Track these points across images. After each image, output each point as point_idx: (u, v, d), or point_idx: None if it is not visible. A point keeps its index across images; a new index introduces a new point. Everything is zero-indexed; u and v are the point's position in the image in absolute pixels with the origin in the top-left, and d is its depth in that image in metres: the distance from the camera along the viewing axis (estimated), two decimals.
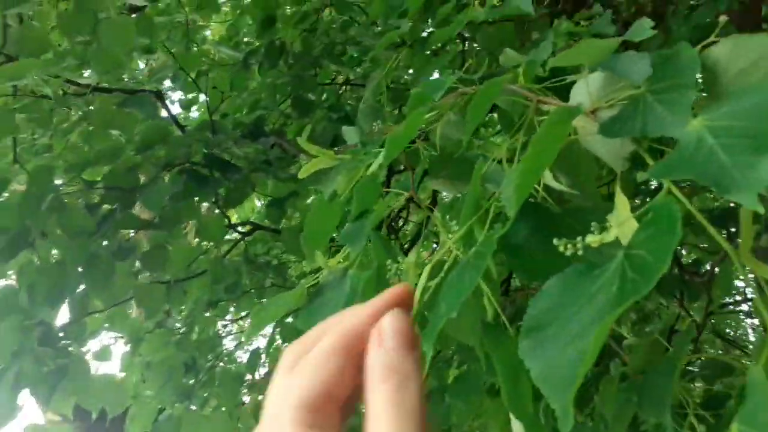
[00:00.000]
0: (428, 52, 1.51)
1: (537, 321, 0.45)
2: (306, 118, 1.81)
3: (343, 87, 2.24)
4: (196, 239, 1.81)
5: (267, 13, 2.05)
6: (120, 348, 2.48)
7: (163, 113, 2.09)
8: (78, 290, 1.35)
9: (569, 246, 0.43)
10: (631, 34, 0.61)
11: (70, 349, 1.42)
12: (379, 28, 1.75)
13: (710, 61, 0.53)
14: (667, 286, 1.82)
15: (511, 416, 0.63)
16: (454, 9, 1.40)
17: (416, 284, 0.67)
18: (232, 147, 1.51)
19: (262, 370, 2.21)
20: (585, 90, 0.66)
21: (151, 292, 1.56)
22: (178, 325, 1.99)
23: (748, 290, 3.11)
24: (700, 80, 0.53)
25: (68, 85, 1.74)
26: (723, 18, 0.56)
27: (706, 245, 2.31)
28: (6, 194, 1.36)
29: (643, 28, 0.61)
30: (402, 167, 1.53)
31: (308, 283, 0.72)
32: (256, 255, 2.23)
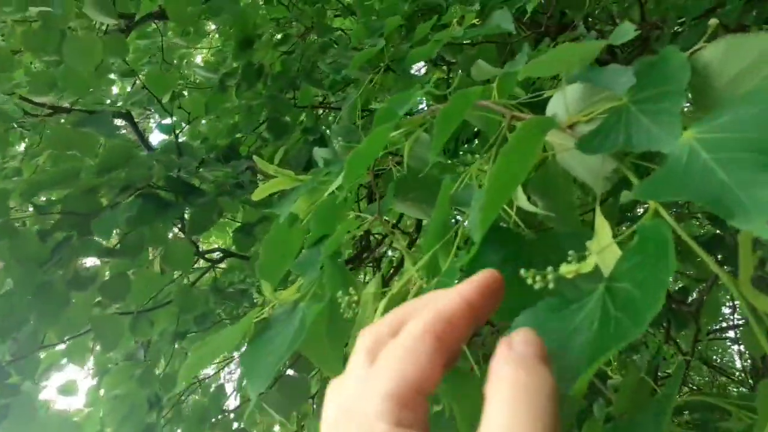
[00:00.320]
0: (408, 75, 1.46)
1: None
2: (280, 140, 1.74)
3: (322, 110, 2.19)
4: (165, 267, 1.72)
5: (245, 35, 2.00)
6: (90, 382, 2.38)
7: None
8: (30, 322, 1.26)
9: (538, 278, 0.36)
10: (613, 37, 0.55)
11: (21, 386, 1.33)
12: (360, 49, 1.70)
13: (701, 64, 0.47)
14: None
15: None
16: (433, 29, 1.36)
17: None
18: (201, 170, 1.44)
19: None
20: (562, 103, 0.59)
21: (109, 324, 1.47)
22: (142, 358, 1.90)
23: (736, 316, 3.06)
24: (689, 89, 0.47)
25: (26, 104, 1.67)
26: (713, 21, 0.50)
27: (691, 272, 2.26)
28: None
29: (626, 31, 0.55)
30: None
31: (255, 317, 0.64)
32: (231, 283, 2.14)
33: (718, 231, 1.98)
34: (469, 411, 0.51)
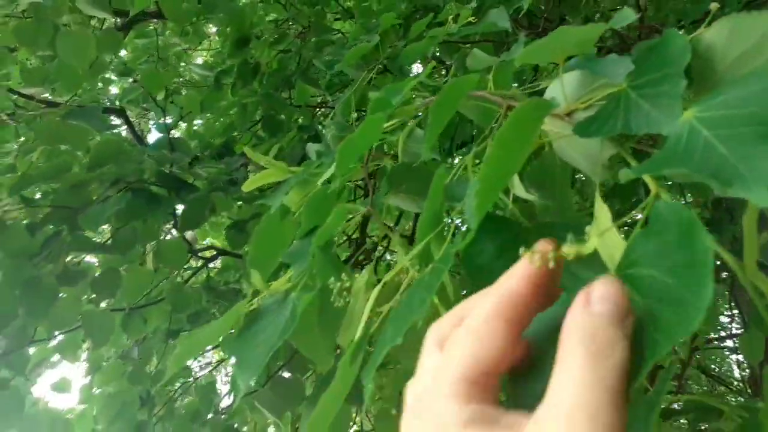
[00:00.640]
0: (405, 74, 1.45)
1: None
2: (275, 138, 1.73)
3: (318, 110, 2.18)
4: (158, 264, 1.70)
5: (241, 33, 1.99)
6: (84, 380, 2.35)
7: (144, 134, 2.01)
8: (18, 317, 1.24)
9: (537, 258, 0.34)
10: (614, 22, 0.54)
11: (11, 381, 1.31)
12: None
13: (703, 46, 0.45)
14: None
15: None
16: (429, 27, 1.34)
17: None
18: (194, 167, 1.42)
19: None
20: (560, 91, 0.58)
21: (99, 320, 1.45)
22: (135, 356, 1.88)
23: (734, 325, 3.05)
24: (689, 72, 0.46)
25: (19, 98, 1.65)
26: (714, 5, 0.49)
27: None
28: None
29: (626, 15, 0.54)
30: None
31: (244, 308, 0.63)
32: (227, 283, 2.12)
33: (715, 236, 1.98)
34: None
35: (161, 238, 1.56)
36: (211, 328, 0.63)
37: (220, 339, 0.64)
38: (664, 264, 0.31)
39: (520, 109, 0.45)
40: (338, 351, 0.65)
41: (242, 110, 1.84)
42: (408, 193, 0.73)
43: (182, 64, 2.53)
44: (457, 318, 0.34)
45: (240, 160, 1.55)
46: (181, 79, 2.55)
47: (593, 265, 0.40)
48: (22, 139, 2.45)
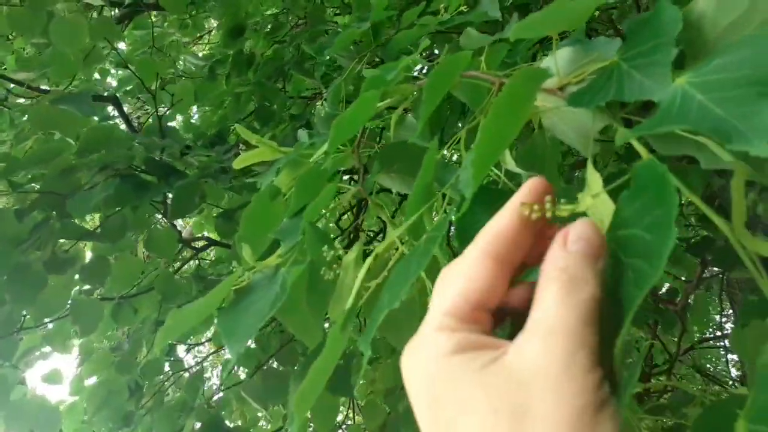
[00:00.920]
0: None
1: None
2: (267, 127, 1.72)
3: (311, 100, 2.17)
4: (148, 253, 1.69)
5: (236, 23, 1.98)
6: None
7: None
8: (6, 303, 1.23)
9: (535, 209, 0.34)
10: None
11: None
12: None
13: (694, 16, 0.46)
14: (640, 312, 1.75)
15: None
16: (422, 16, 1.34)
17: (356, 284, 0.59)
18: (186, 155, 1.41)
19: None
20: (553, 66, 0.58)
21: (87, 308, 1.44)
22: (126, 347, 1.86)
23: (729, 325, 3.06)
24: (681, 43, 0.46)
25: (12, 85, 1.64)
26: None
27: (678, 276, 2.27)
28: None
29: None
30: None
31: (234, 283, 0.62)
32: (219, 274, 2.11)
33: (708, 234, 1.99)
34: None
35: (153, 226, 1.55)
36: (201, 303, 0.63)
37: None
38: (644, 221, 0.32)
39: (517, 77, 0.45)
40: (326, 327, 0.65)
41: (236, 100, 1.84)
42: (399, 173, 0.72)
43: (179, 55, 2.52)
44: (457, 261, 0.36)
45: (232, 149, 1.54)
46: (179, 69, 2.54)
47: None
48: (15, 128, 2.44)
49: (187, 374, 2.29)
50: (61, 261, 1.33)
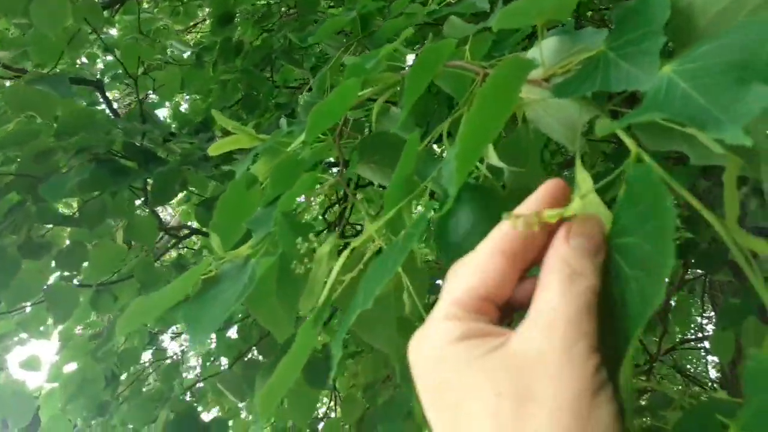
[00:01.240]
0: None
1: None
2: (252, 116, 1.69)
3: (298, 90, 2.15)
4: (130, 240, 1.66)
5: (224, 10, 1.94)
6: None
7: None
8: None
9: (520, 222, 0.33)
10: None
11: None
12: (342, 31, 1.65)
13: (683, 3, 0.44)
14: None
15: None
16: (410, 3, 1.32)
17: (328, 279, 0.56)
18: (169, 142, 1.38)
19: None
20: (538, 56, 0.56)
21: (62, 294, 1.41)
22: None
23: (710, 327, 3.06)
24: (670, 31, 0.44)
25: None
26: None
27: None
28: None
29: None
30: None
31: (202, 271, 0.60)
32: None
33: (692, 236, 1.99)
34: None
35: (134, 213, 1.52)
36: (166, 291, 0.60)
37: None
38: (643, 230, 0.31)
39: (502, 66, 0.43)
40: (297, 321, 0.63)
41: (222, 88, 1.80)
42: (379, 164, 0.70)
43: (167, 42, 2.48)
44: (471, 256, 0.37)
45: (209, 135, 1.51)
46: (168, 56, 2.50)
47: None
48: None
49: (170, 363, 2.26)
50: (36, 246, 1.29)
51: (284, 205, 0.60)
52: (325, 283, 0.53)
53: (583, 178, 0.42)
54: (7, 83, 2.03)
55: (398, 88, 0.82)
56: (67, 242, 1.47)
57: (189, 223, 2.68)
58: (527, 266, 0.35)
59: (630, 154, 0.38)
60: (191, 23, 3.41)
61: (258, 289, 0.56)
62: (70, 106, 1.36)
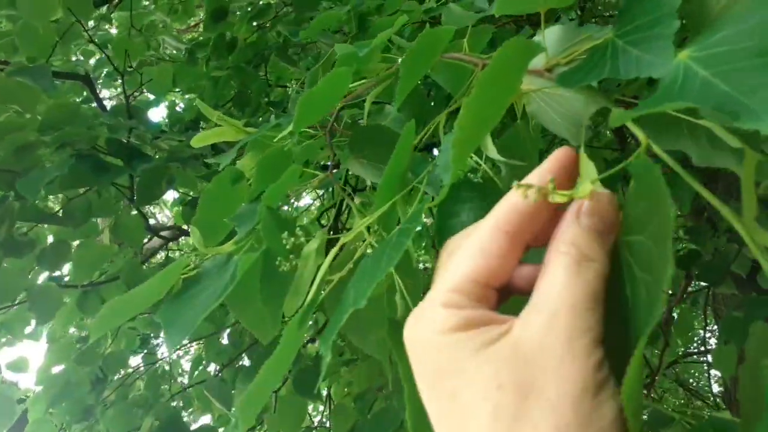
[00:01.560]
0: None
1: None
2: (243, 113, 1.66)
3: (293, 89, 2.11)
4: (116, 240, 1.62)
5: (218, 5, 1.91)
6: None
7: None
8: None
9: (531, 192, 0.30)
10: None
11: None
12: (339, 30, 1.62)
13: None
14: None
15: None
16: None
17: (317, 276, 0.53)
18: (157, 139, 1.35)
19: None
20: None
21: (45, 295, 1.37)
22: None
23: (713, 341, 3.04)
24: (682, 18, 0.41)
25: None
26: None
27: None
28: None
29: None
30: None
31: (181, 269, 0.56)
32: None
33: (695, 247, 1.96)
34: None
35: (121, 212, 1.48)
36: (143, 290, 0.56)
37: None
38: (648, 228, 0.29)
39: (505, 48, 0.39)
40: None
41: (213, 85, 1.77)
42: (371, 159, 0.67)
43: (159, 37, 2.44)
44: (468, 233, 0.35)
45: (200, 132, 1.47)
46: (164, 53, 2.46)
47: None
48: None
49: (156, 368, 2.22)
50: (18, 243, 1.26)
51: (269, 198, 0.56)
52: (313, 282, 0.49)
53: (587, 164, 0.39)
54: None
55: (392, 84, 0.79)
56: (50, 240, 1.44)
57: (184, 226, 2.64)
58: (528, 246, 0.33)
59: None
60: (192, 23, 3.38)
61: (240, 288, 0.52)
62: (56, 100, 1.32)
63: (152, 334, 2.25)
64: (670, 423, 1.20)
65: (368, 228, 0.52)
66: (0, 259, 1.21)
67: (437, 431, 0.30)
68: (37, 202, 1.26)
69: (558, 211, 0.33)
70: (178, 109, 2.74)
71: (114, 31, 2.81)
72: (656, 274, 0.28)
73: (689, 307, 2.75)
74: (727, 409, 2.66)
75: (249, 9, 2.00)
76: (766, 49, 0.30)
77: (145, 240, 2.08)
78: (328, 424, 2.35)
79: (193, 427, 1.65)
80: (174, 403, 1.93)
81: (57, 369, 1.93)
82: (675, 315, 2.44)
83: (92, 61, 2.85)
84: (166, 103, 3.01)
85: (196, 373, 2.04)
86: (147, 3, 2.85)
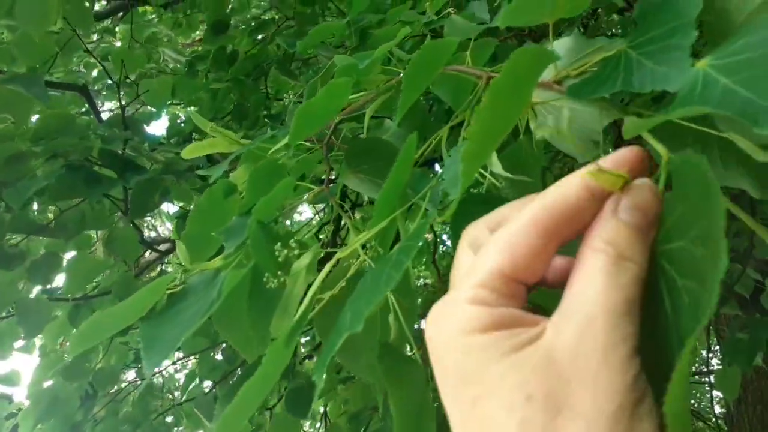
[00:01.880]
0: None
1: None
2: (241, 126, 1.64)
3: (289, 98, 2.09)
4: (110, 253, 1.59)
5: (218, 18, 1.90)
6: None
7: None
8: None
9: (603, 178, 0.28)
10: None
11: None
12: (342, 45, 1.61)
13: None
14: None
15: None
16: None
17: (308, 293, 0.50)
18: (154, 151, 1.32)
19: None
20: None
21: (34, 308, 1.33)
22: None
23: (715, 361, 2.99)
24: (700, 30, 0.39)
25: None
26: None
27: None
28: None
29: None
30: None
31: (167, 284, 0.53)
32: None
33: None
34: (407, 400, 0.40)
35: (114, 225, 1.45)
36: (126, 305, 0.54)
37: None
38: (690, 233, 0.27)
39: (518, 55, 0.37)
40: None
41: (212, 97, 1.75)
42: (369, 174, 0.64)
43: (159, 49, 2.44)
44: (496, 221, 0.33)
45: None
46: (161, 64, 2.45)
47: None
48: None
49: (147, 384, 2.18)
50: (8, 255, 1.23)
51: (260, 212, 0.53)
52: (303, 299, 0.46)
53: None
54: None
55: (392, 97, 0.77)
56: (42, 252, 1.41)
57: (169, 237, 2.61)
58: (566, 243, 0.30)
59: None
60: (197, 38, 3.38)
61: (227, 306, 0.49)
62: (51, 109, 1.30)
63: None
64: None
65: (363, 245, 0.50)
66: None
67: None
68: (32, 213, 1.23)
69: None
70: (179, 121, 2.74)
71: (119, 43, 2.81)
72: (702, 279, 0.25)
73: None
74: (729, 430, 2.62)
75: (253, 23, 1.99)
76: None
77: (147, 254, 2.06)
78: None
79: None
80: (169, 419, 1.89)
81: (48, 383, 1.90)
82: None
83: (95, 73, 2.85)
84: (169, 116, 3.00)
85: (190, 387, 2.01)
86: (152, 17, 2.86)
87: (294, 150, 0.73)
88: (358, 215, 2.15)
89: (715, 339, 2.72)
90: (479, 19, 1.07)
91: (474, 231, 0.34)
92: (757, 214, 1.43)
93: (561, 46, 0.51)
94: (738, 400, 1.97)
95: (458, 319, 0.28)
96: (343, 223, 2.24)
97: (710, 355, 3.03)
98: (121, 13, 2.82)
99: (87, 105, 2.14)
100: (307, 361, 1.98)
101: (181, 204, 1.92)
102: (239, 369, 1.86)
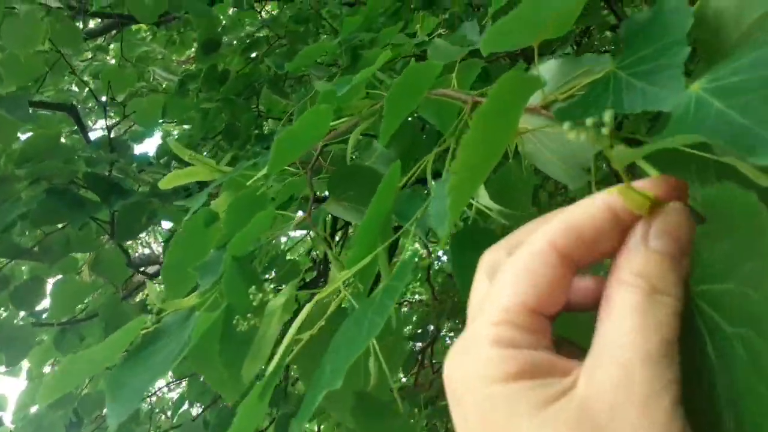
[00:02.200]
0: None
1: None
2: (231, 147, 1.62)
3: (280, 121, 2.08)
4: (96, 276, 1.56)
5: (209, 36, 1.89)
6: None
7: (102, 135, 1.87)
8: None
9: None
10: None
11: None
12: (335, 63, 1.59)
13: (711, 12, 0.36)
14: None
15: None
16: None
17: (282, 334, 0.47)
18: (144, 170, 1.30)
19: None
20: None
21: (15, 334, 1.30)
22: None
23: None
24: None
25: None
26: None
27: None
28: None
29: None
30: None
31: (142, 325, 0.51)
32: None
33: None
34: None
35: (101, 248, 1.42)
36: (99, 350, 0.51)
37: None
38: (740, 272, 0.23)
39: (504, 81, 0.35)
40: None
41: (203, 117, 1.73)
42: (353, 202, 0.62)
43: (149, 68, 2.42)
44: (513, 245, 0.29)
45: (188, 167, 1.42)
46: (153, 83, 2.44)
47: None
48: None
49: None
50: None
51: (236, 247, 0.51)
52: (277, 343, 0.44)
53: None
54: None
55: (378, 120, 0.75)
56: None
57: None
58: (585, 267, 0.27)
59: None
60: (192, 55, 3.37)
61: (200, 347, 0.47)
62: (39, 131, 1.28)
63: None
64: None
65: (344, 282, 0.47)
66: None
67: None
68: (15, 236, 1.20)
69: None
70: (170, 140, 2.71)
71: (113, 61, 2.80)
72: (762, 330, 0.22)
73: None
74: None
75: (247, 41, 1.98)
76: None
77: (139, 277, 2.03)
78: None
79: None
80: None
81: (34, 409, 1.86)
82: None
83: (86, 92, 2.83)
84: (161, 134, 2.99)
85: (180, 411, 1.97)
86: (147, 34, 2.85)
87: (278, 176, 0.70)
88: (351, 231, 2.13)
89: None
90: (470, 41, 1.05)
91: (492, 256, 0.31)
92: None
93: (548, 69, 0.49)
94: None
95: (482, 364, 0.26)
96: (338, 239, 2.22)
97: None
98: (114, 31, 2.81)
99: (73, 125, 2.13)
100: (299, 382, 1.94)
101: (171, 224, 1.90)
102: None
